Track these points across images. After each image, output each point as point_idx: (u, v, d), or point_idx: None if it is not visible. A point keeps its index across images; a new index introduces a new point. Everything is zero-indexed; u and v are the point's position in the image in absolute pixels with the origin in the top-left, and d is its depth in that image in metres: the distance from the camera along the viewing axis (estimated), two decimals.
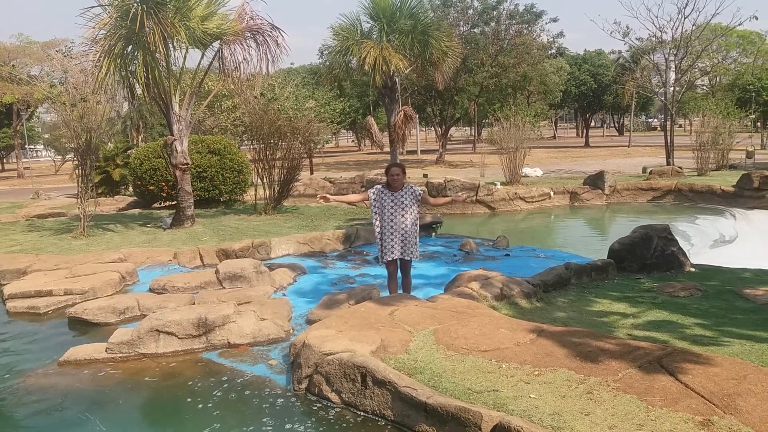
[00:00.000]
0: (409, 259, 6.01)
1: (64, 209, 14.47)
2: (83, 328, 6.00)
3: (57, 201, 17.68)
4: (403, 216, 5.87)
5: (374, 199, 5.93)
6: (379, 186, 6.03)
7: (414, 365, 3.95)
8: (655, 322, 5.03)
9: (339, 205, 6.04)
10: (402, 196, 5.88)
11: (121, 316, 6.14)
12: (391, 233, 5.87)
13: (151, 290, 7.04)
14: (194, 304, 6.18)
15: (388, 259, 5.96)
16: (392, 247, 5.89)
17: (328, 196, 6.06)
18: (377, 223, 5.94)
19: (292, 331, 5.58)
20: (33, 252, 9.01)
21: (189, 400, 4.31)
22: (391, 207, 5.86)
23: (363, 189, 16.61)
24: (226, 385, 4.50)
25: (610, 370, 3.64)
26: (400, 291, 6.12)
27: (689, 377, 3.45)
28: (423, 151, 41.04)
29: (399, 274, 6.16)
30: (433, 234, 10.92)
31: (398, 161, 17.15)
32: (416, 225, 5.98)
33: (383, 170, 5.98)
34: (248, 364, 4.89)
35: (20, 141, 40.16)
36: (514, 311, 5.46)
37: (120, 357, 5.03)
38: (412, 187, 5.98)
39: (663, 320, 5.07)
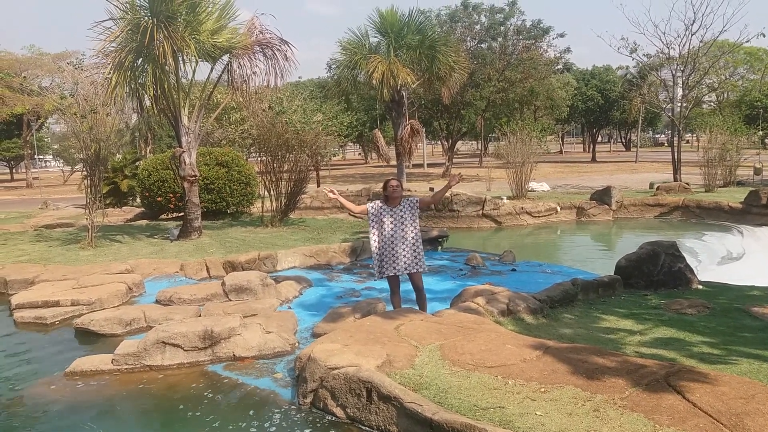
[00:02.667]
0: (417, 271, 5.94)
1: (72, 220, 14.55)
2: (90, 338, 6.02)
3: (65, 211, 17.77)
4: (403, 231, 5.85)
5: (373, 215, 5.91)
6: (378, 202, 6.00)
7: (420, 381, 3.93)
8: (662, 339, 5.00)
9: (343, 205, 6.14)
10: (401, 211, 5.87)
11: (128, 328, 6.16)
12: (391, 249, 5.85)
13: (157, 302, 7.05)
14: (200, 316, 6.20)
15: (388, 275, 5.93)
16: (392, 262, 5.86)
17: (335, 191, 6.16)
18: (375, 238, 5.91)
19: (297, 344, 5.58)
20: (41, 262, 9.06)
21: (193, 412, 4.31)
22: (391, 223, 5.85)
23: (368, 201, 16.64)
24: (230, 398, 4.50)
25: (617, 388, 3.62)
26: (404, 306, 6.11)
27: (697, 396, 3.42)
28: (429, 165, 41.09)
29: (403, 288, 6.14)
30: (439, 248, 10.91)
31: (404, 174, 17.15)
32: (418, 237, 5.96)
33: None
34: (253, 377, 4.88)
35: (30, 151, 40.55)
36: (519, 327, 5.43)
37: (126, 368, 5.04)
38: (409, 198, 5.97)
39: (670, 338, 5.03)
